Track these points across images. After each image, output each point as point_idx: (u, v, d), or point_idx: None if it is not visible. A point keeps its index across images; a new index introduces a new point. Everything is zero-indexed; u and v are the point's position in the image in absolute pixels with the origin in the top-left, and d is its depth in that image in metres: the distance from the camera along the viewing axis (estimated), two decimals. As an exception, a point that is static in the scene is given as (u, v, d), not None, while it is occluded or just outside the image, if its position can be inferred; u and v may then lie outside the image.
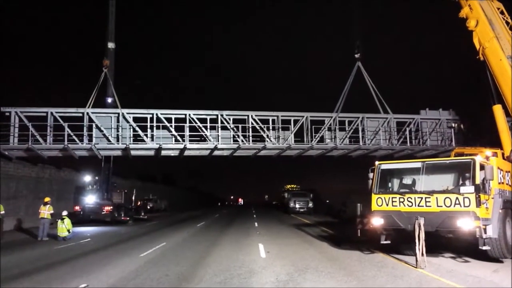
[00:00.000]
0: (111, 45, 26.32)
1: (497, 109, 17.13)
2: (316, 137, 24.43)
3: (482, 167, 11.59)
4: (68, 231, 19.37)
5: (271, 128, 24.50)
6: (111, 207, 29.60)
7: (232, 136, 23.87)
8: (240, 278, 10.11)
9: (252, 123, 23.86)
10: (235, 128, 23.83)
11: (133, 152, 24.22)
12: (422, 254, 11.36)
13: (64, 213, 20.18)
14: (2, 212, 19.64)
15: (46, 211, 19.93)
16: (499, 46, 16.82)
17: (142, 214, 37.36)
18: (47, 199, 20.63)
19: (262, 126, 24.06)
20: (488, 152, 13.69)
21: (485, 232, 11.15)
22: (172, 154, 25.50)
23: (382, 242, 13.12)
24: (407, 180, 13.22)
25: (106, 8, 26.53)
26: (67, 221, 19.50)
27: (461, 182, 12.12)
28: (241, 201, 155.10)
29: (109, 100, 25.09)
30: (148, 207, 46.50)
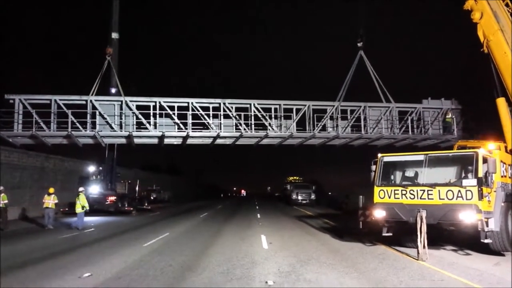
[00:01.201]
0: (115, 35, 26.44)
1: (501, 102, 17.01)
2: (318, 126, 24.42)
3: (485, 160, 11.58)
4: (83, 207, 19.64)
5: (273, 116, 24.48)
6: (115, 197, 29.79)
7: (234, 124, 23.90)
8: (243, 269, 10.19)
9: (254, 112, 23.88)
10: (237, 117, 23.88)
11: (136, 140, 24.29)
12: (424, 247, 11.41)
13: (81, 189, 20.57)
14: (6, 201, 19.81)
15: (50, 201, 20.11)
16: (504, 39, 16.68)
17: (146, 204, 37.48)
18: (51, 190, 20.77)
19: (265, 114, 24.08)
20: (491, 145, 13.69)
21: (487, 225, 11.18)
22: (175, 142, 25.51)
23: (384, 234, 13.18)
24: (410, 173, 13.23)
25: None
26: (81, 197, 19.87)
27: (463, 175, 12.13)
28: (244, 192, 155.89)
29: (113, 90, 25.14)
30: (152, 198, 46.61)
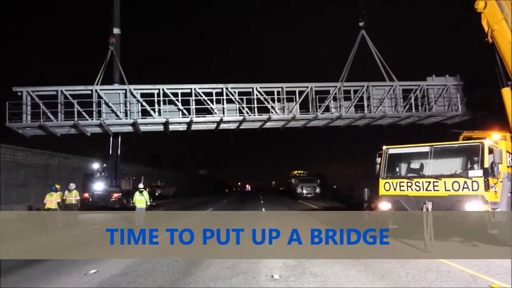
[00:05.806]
0: (116, 30, 26.51)
1: (506, 92, 16.90)
2: (321, 107, 24.33)
3: (490, 151, 11.49)
4: (146, 202, 19.81)
5: (276, 99, 24.51)
6: (120, 194, 29.82)
7: (237, 108, 24.00)
8: (249, 263, 10.16)
9: (257, 95, 23.90)
10: (240, 101, 23.92)
11: (142, 128, 24.45)
12: (430, 239, 11.36)
13: (141, 185, 20.73)
14: (77, 198, 20.01)
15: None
16: (508, 28, 16.54)
17: (151, 200, 37.46)
18: (58, 186, 20.78)
19: (267, 98, 24.08)
20: (497, 135, 13.58)
21: (494, 216, 11.11)
22: (180, 129, 25.59)
23: (390, 226, 13.12)
24: (415, 165, 13.15)
25: None
26: (146, 193, 19.97)
27: (469, 166, 12.05)
28: (248, 187, 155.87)
29: (116, 86, 25.23)
30: (157, 194, 46.74)
